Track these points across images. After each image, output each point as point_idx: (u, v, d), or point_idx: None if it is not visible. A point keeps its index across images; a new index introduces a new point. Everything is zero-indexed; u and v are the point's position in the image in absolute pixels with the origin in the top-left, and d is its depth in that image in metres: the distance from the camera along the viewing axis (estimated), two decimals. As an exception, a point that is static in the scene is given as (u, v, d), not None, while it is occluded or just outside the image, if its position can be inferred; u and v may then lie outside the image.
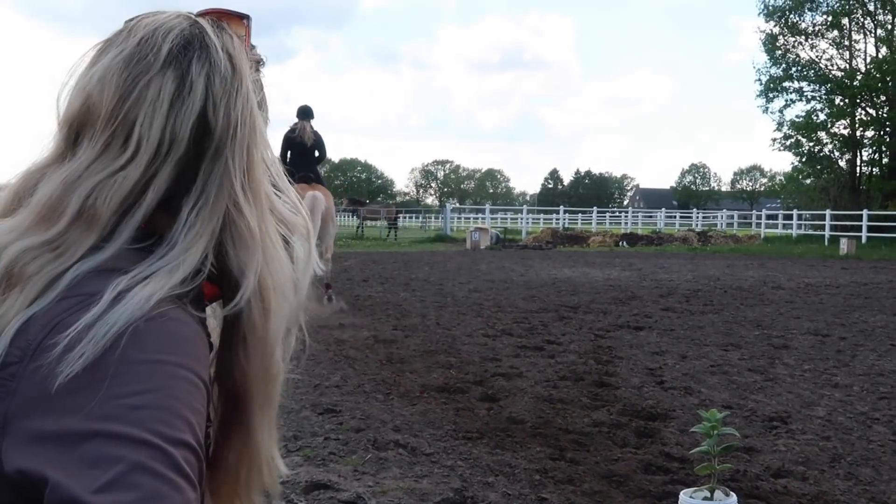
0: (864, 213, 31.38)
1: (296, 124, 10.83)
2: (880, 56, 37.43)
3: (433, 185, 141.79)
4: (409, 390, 5.92)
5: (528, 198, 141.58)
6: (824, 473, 4.23)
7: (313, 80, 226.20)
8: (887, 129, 37.27)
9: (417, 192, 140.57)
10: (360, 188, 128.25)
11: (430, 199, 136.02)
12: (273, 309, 0.92)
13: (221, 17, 0.99)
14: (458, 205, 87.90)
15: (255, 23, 1.02)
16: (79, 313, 0.78)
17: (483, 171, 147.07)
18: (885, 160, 38.51)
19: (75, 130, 0.90)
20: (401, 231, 41.59)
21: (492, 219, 44.11)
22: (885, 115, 37.05)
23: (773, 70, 39.66)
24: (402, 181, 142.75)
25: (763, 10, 39.17)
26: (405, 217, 62.96)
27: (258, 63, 1.06)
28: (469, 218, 53.74)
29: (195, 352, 0.84)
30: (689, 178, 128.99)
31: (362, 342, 7.86)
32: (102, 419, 0.73)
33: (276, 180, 0.99)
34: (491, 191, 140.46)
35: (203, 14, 0.98)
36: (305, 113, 11.06)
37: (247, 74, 0.95)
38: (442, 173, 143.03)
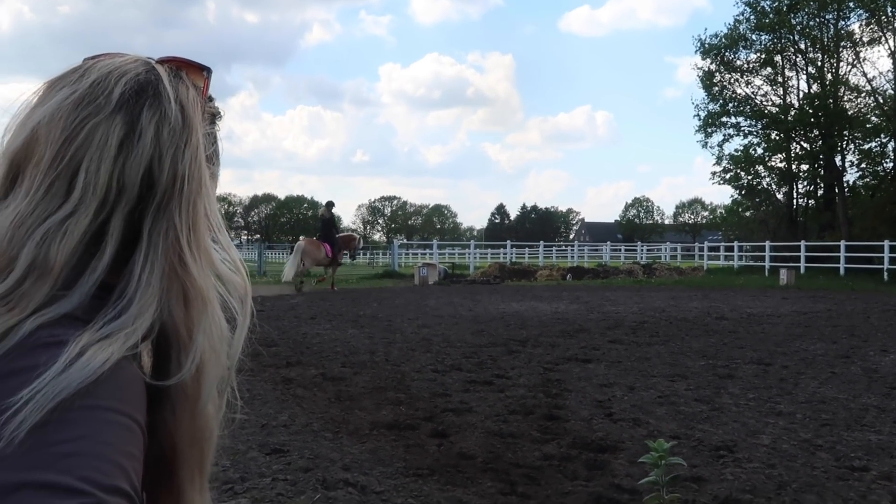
0: (802, 244, 32.17)
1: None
2: (812, 92, 38.65)
3: (380, 221, 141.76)
4: (359, 428, 5.86)
5: (475, 233, 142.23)
6: (770, 501, 4.29)
7: (255, 119, 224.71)
8: (821, 162, 38.39)
9: (365, 228, 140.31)
10: (307, 225, 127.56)
11: (378, 236, 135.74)
12: (206, 370, 0.89)
13: (181, 66, 0.98)
14: (405, 241, 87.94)
15: (193, 59, 1.01)
16: (35, 370, 0.76)
17: (430, 206, 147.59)
18: (819, 192, 39.64)
19: (16, 168, 0.88)
20: (348, 268, 41.34)
21: (439, 254, 44.16)
22: (818, 149, 38.20)
23: (711, 106, 40.74)
24: (349, 218, 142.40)
25: (699, 47, 40.30)
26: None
27: (214, 116, 1.04)
28: (417, 254, 53.74)
29: (130, 396, 0.81)
30: (632, 211, 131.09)
31: (310, 380, 7.77)
32: (31, 469, 0.70)
33: (218, 236, 0.95)
34: (438, 226, 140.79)
35: (164, 61, 0.96)
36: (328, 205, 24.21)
37: (198, 127, 0.92)
38: (389, 210, 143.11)
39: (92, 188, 0.85)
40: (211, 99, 1.03)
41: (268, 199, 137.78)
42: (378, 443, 5.46)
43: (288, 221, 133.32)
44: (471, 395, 7.11)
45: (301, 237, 25.47)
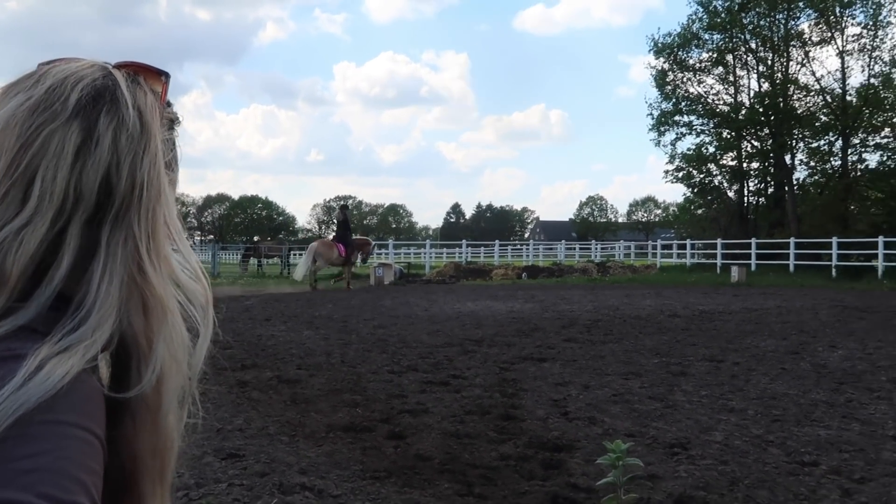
0: (753, 241, 32.71)
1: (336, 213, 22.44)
2: (762, 91, 39.31)
3: (335, 221, 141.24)
4: (315, 431, 5.83)
5: (430, 232, 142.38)
6: (724, 497, 4.36)
7: (208, 118, 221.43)
8: (771, 160, 39.06)
9: (320, 228, 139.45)
10: (262, 225, 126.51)
11: (332, 236, 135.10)
12: (166, 380, 0.88)
13: (139, 71, 0.96)
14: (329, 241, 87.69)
15: (145, 58, 1.00)
16: None
17: (385, 206, 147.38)
18: (769, 190, 40.31)
19: None
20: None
21: (395, 254, 44.14)
22: (768, 147, 38.85)
23: (664, 105, 41.19)
24: (304, 217, 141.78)
25: (653, 47, 40.71)
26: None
27: (172, 121, 1.03)
28: (372, 254, 53.62)
29: (90, 410, 0.80)
30: (587, 210, 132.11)
31: (265, 383, 7.71)
32: None
33: (178, 244, 0.94)
34: (394, 226, 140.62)
35: (121, 66, 0.95)
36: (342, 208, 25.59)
37: (156, 133, 0.91)
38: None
39: (48, 196, 0.83)
40: (169, 104, 1.02)
41: (221, 199, 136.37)
42: (335, 445, 5.44)
43: (242, 222, 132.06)
44: (427, 396, 7.11)
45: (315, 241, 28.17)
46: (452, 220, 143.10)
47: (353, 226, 27.52)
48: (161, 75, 1.00)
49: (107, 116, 0.87)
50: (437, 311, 16.13)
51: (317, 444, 5.48)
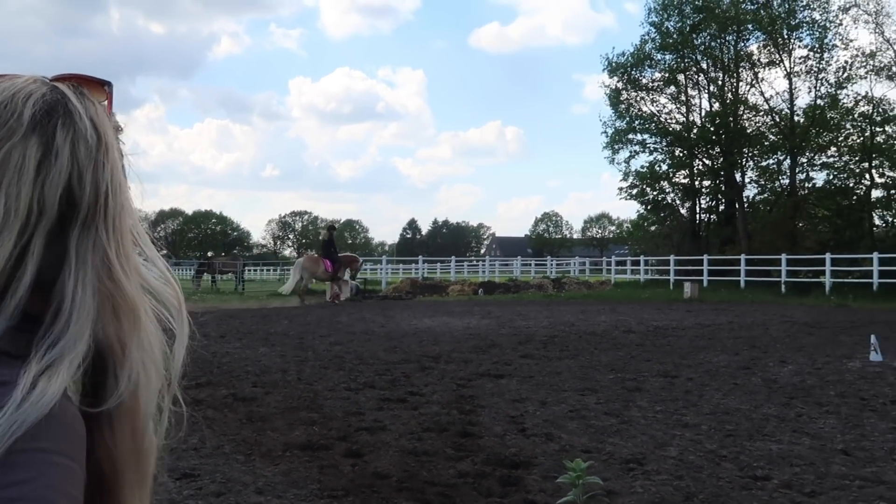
0: (705, 258, 33.21)
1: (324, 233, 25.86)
2: (713, 110, 40.09)
3: (291, 236, 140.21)
4: (272, 449, 5.78)
5: (387, 248, 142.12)
6: (679, 512, 4.41)
7: (161, 132, 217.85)
8: (722, 178, 39.77)
9: (275, 243, 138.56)
10: (216, 241, 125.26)
11: (289, 251, 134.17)
12: (143, 383, 0.88)
13: (81, 82, 0.96)
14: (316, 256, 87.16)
15: (96, 71, 1.00)
16: None
17: (341, 221, 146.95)
18: (721, 208, 41.03)
19: None
20: (258, 283, 40.91)
21: (351, 270, 43.94)
22: (719, 166, 39.58)
23: (618, 123, 41.76)
24: (259, 233, 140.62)
25: (607, 66, 41.30)
26: (263, 270, 62.07)
27: (116, 129, 1.03)
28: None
29: (72, 436, 0.80)
30: (542, 226, 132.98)
31: (220, 401, 7.63)
32: None
33: (144, 249, 0.95)
34: (350, 241, 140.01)
35: (61, 79, 0.94)
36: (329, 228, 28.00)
37: (113, 142, 0.91)
38: (300, 224, 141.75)
39: (14, 212, 0.83)
40: (112, 114, 1.02)
41: (175, 214, 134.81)
42: (291, 464, 5.40)
43: (196, 237, 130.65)
44: (385, 414, 7.09)
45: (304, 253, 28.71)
46: (409, 235, 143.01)
47: (308, 241, 27.99)
48: (104, 85, 0.99)
49: (63, 129, 0.87)
50: (393, 327, 16.10)
51: (273, 462, 5.44)
